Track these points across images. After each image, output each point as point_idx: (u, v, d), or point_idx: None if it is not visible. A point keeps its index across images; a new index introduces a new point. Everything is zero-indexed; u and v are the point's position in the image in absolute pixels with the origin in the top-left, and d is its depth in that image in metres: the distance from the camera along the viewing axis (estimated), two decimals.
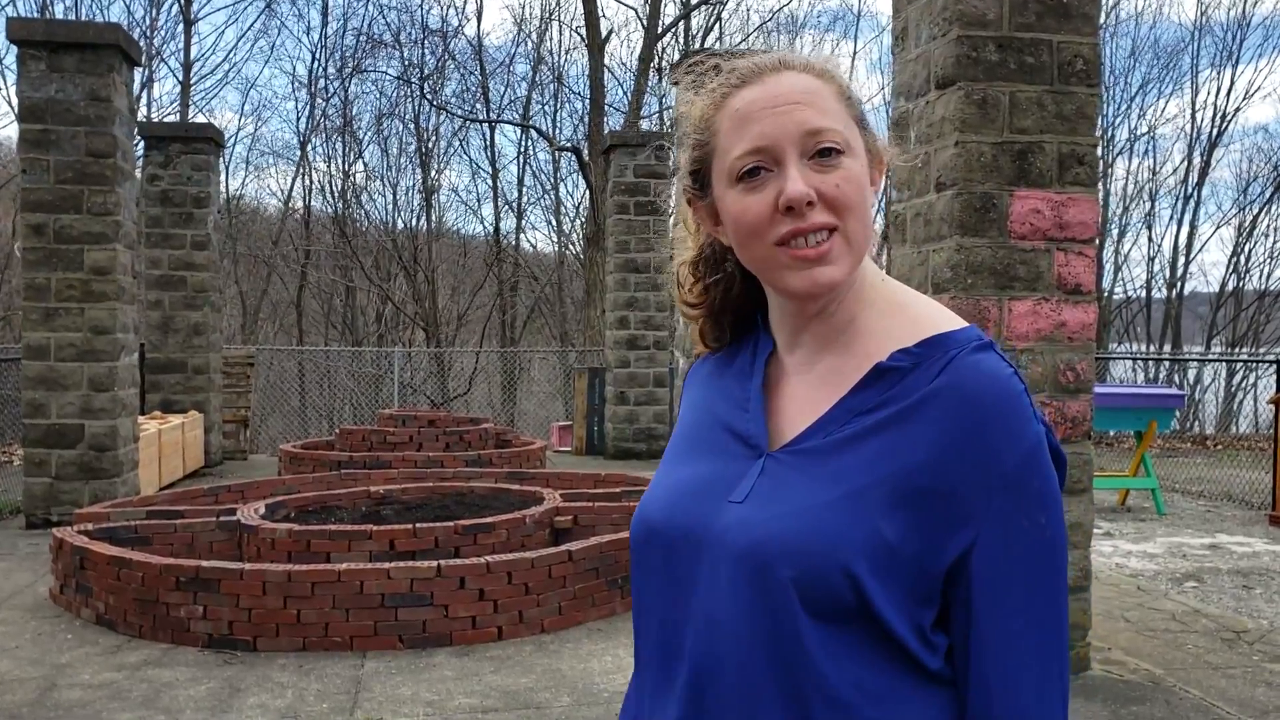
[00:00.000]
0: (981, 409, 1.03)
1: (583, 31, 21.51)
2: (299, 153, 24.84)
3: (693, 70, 1.17)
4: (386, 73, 25.50)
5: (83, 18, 20.37)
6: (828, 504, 1.03)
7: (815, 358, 1.14)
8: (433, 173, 25.03)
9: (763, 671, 1.03)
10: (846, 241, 1.07)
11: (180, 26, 22.71)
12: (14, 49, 8.60)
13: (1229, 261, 23.44)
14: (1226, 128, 23.77)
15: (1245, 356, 21.80)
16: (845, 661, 1.02)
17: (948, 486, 1.02)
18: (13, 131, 24.47)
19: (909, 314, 1.13)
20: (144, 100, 21.56)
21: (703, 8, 23.01)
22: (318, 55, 30.40)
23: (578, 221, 24.70)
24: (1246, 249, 23.45)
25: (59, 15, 20.43)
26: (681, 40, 22.81)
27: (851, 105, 1.11)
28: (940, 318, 1.12)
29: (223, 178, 18.67)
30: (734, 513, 1.08)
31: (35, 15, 19.69)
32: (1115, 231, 23.45)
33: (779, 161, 1.07)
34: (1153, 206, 23.70)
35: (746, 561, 1.04)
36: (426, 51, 24.28)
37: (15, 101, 9.87)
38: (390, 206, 25.54)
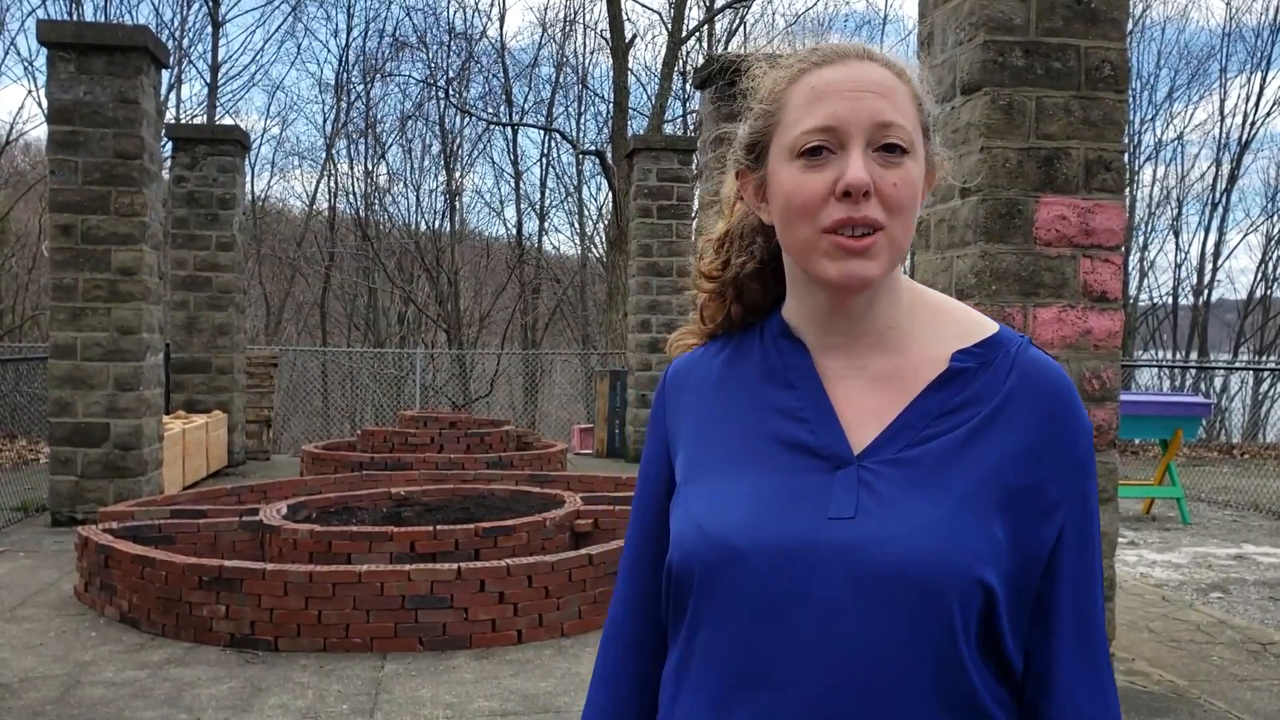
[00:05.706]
0: (1058, 402, 1.09)
1: (607, 35, 21.54)
2: (324, 155, 25.00)
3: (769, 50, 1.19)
4: (411, 75, 25.62)
5: (112, 19, 20.57)
6: (949, 515, 1.02)
7: (862, 361, 1.11)
8: (456, 175, 25.12)
9: (915, 689, 1.01)
10: (890, 242, 1.05)
11: (208, 28, 22.89)
12: (44, 51, 8.69)
13: (1257, 268, 23.19)
14: (1256, 133, 23.52)
15: (1273, 365, 21.56)
16: (985, 673, 1.04)
17: (1039, 479, 1.06)
18: (42, 133, 24.72)
19: (949, 316, 1.15)
20: (171, 102, 21.70)
21: (727, 11, 22.99)
22: (343, 58, 30.60)
23: (600, 224, 24.72)
24: (1276, 256, 23.20)
25: (89, 17, 20.62)
26: (705, 44, 22.80)
27: (921, 111, 1.11)
28: (981, 318, 1.15)
29: (248, 179, 18.82)
30: (850, 530, 1.03)
31: (65, 17, 19.87)
32: (1141, 238, 23.26)
33: (844, 145, 1.05)
34: (1180, 213, 23.46)
35: (885, 580, 1.00)
36: (451, 54, 24.35)
37: (45, 103, 9.96)
38: (413, 208, 25.66)
